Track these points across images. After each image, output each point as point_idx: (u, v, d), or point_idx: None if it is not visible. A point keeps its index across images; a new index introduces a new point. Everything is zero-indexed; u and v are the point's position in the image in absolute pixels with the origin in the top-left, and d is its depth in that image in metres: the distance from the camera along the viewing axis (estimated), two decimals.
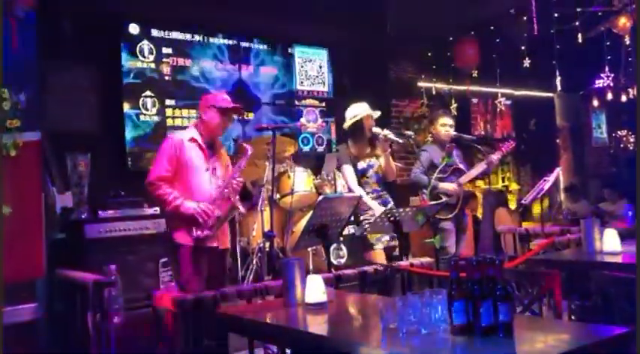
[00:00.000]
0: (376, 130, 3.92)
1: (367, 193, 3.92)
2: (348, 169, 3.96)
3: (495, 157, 4.62)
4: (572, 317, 3.17)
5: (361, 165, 3.98)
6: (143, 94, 5.23)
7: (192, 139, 3.36)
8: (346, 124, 4.08)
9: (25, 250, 3.68)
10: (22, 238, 3.67)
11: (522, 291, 3.80)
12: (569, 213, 7.04)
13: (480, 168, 4.61)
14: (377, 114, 4.06)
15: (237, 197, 3.35)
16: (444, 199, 4.41)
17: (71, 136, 4.74)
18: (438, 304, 1.67)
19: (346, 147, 4.06)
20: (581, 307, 3.32)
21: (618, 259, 2.95)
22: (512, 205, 7.32)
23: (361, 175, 3.97)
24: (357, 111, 4.02)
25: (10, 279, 3.61)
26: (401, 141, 3.99)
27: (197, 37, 5.61)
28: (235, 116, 4.25)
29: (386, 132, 3.90)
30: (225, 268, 3.50)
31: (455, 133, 4.68)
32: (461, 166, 4.63)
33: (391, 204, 4.03)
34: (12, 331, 3.53)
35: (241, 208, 3.36)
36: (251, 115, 5.93)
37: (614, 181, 7.22)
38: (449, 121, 4.67)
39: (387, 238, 3.86)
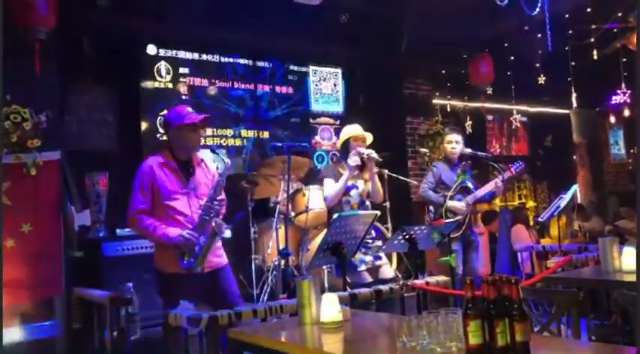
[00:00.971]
0: (361, 149, 3.89)
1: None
2: (328, 181, 3.93)
3: (503, 179, 4.57)
4: (592, 337, 3.12)
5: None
6: (160, 114, 5.31)
7: (163, 164, 3.15)
8: (337, 145, 4.12)
9: (44, 267, 3.73)
10: (41, 256, 3.73)
11: (540, 310, 3.75)
12: (585, 231, 6.96)
13: (488, 188, 4.58)
14: (369, 136, 4.05)
15: (219, 219, 3.14)
16: (457, 217, 4.40)
17: (90, 155, 4.83)
18: (453, 324, 1.66)
19: (333, 165, 4.08)
20: (601, 326, 3.27)
21: None
22: (529, 223, 7.25)
23: (343, 193, 3.91)
24: (345, 132, 4.06)
25: (29, 297, 3.66)
26: (381, 159, 3.92)
27: (213, 57, 5.70)
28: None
29: (368, 151, 3.87)
30: (221, 288, 3.23)
31: (470, 150, 4.67)
32: (469, 184, 4.61)
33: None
34: (31, 348, 3.57)
35: (224, 233, 3.16)
36: (266, 134, 5.98)
37: (632, 198, 7.12)
38: (454, 137, 4.66)
39: (370, 258, 3.82)
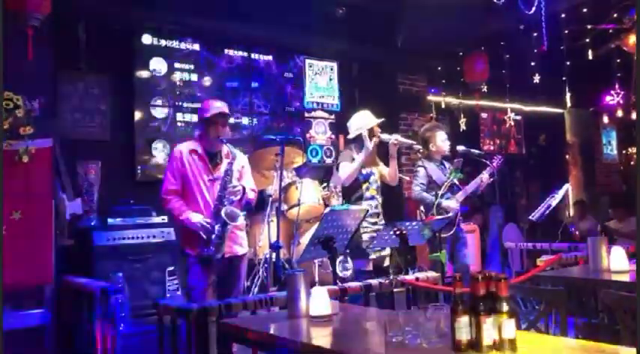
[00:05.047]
0: (385, 136, 3.98)
1: (366, 199, 4.03)
2: (345, 165, 4.03)
3: (486, 174, 4.58)
4: (579, 336, 3.15)
5: (365, 170, 4.07)
6: (154, 104, 5.28)
7: (193, 151, 3.37)
8: (351, 135, 4.14)
9: (34, 256, 3.71)
10: (32, 243, 3.71)
11: (528, 307, 3.78)
12: (578, 230, 7.00)
13: (474, 184, 4.59)
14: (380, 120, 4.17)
15: (230, 207, 3.24)
16: (449, 214, 4.41)
17: (82, 143, 4.80)
18: (441, 320, 1.67)
19: (350, 151, 4.12)
20: (588, 325, 3.30)
21: (626, 278, 2.93)
22: (521, 221, 7.29)
23: (364, 180, 4.06)
24: (362, 123, 4.07)
25: (19, 285, 3.64)
26: (413, 142, 4.12)
27: (209, 48, 5.66)
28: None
29: (395, 136, 4.05)
30: (234, 276, 3.43)
31: (463, 147, 4.67)
32: (456, 181, 4.63)
33: (380, 218, 4.07)
34: (19, 337, 3.56)
35: (237, 221, 3.27)
36: (260, 127, 5.96)
37: (623, 199, 7.17)
38: (445, 135, 4.69)
39: (378, 247, 3.88)
